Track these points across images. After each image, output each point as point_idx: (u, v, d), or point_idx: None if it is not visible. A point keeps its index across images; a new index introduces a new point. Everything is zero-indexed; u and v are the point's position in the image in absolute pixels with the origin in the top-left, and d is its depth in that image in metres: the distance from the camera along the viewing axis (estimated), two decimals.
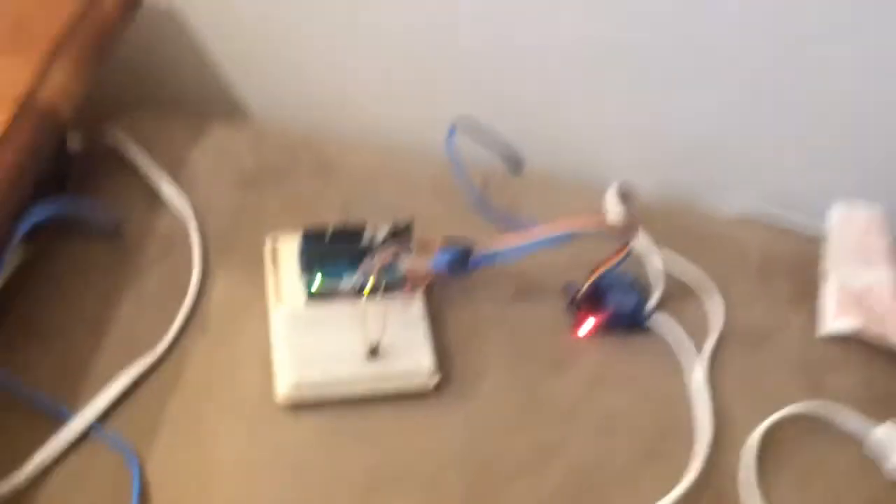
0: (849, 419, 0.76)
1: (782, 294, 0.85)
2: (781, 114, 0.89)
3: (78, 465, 0.67)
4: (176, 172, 0.85)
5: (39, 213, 0.71)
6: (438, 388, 0.74)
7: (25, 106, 0.74)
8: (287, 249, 0.79)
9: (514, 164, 0.93)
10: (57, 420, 0.68)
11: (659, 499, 0.69)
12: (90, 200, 0.79)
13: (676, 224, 0.89)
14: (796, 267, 0.87)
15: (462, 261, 0.77)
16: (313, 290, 0.76)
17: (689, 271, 0.84)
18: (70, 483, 0.66)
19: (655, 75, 0.89)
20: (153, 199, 0.84)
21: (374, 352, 0.74)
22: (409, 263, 0.77)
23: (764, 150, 0.91)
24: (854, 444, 0.76)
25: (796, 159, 0.91)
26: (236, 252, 0.81)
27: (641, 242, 0.84)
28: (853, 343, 0.82)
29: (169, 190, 0.84)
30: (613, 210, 0.87)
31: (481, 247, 0.77)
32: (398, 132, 0.94)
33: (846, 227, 0.87)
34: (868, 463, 0.75)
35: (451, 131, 0.86)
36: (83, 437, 0.68)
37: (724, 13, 0.83)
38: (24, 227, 0.70)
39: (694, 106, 0.90)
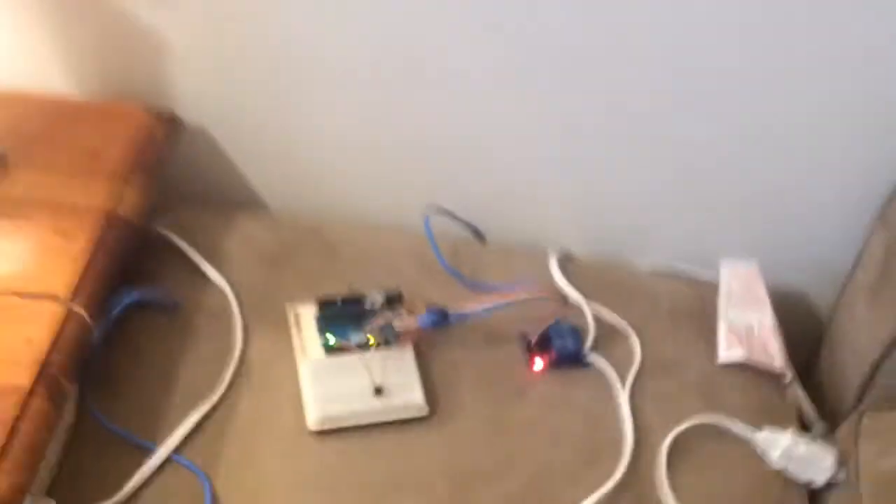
0: (738, 427, 1.00)
1: (687, 332, 1.10)
2: (684, 190, 1.14)
3: (163, 485, 0.91)
4: (213, 256, 1.09)
5: (127, 299, 0.95)
6: (428, 416, 0.98)
7: (110, 219, 0.98)
8: (306, 314, 1.03)
9: (479, 237, 1.17)
10: (144, 451, 0.92)
11: (595, 492, 0.94)
12: (156, 285, 1.03)
13: (605, 280, 1.14)
14: (698, 309, 1.12)
15: (441, 319, 1.02)
16: (329, 345, 1.00)
17: (615, 318, 1.09)
18: (158, 499, 0.90)
19: (588, 166, 1.14)
20: (198, 277, 1.07)
21: (378, 391, 0.98)
22: (401, 322, 1.01)
23: (670, 219, 1.17)
24: (743, 445, 1.00)
25: (695, 225, 1.16)
26: (267, 318, 1.04)
27: (577, 298, 1.09)
28: (743, 369, 1.06)
29: (210, 271, 1.07)
30: (556, 275, 1.12)
31: (455, 308, 1.02)
32: (386, 215, 1.18)
33: (732, 279, 1.12)
34: (754, 459, 1.00)
35: (427, 218, 1.11)
36: (165, 463, 0.92)
37: (637, 115, 1.09)
38: (117, 310, 0.94)
39: (617, 188, 1.15)
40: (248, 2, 1.05)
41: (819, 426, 1.04)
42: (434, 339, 1.03)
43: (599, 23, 1.01)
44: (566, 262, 1.15)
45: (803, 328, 1.17)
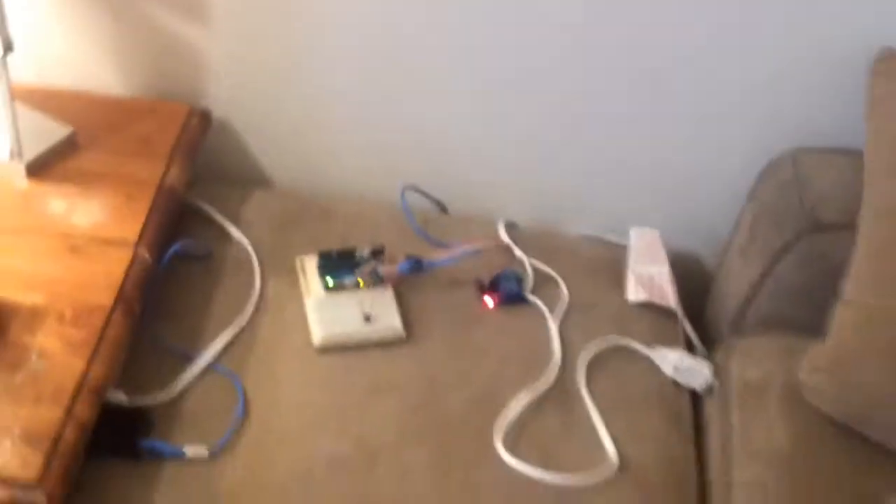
0: (639, 346, 1.32)
1: (603, 280, 1.41)
2: (603, 172, 1.46)
3: (204, 385, 1.20)
4: (235, 220, 1.39)
5: (175, 247, 1.25)
6: (404, 339, 1.29)
7: (161, 187, 1.28)
8: (310, 263, 1.33)
9: (443, 209, 1.48)
10: (190, 360, 1.21)
11: (531, 392, 1.24)
12: (194, 239, 1.33)
13: (541, 241, 1.45)
14: (612, 265, 1.43)
15: (416, 266, 1.33)
16: (329, 286, 1.31)
17: (548, 269, 1.40)
18: (201, 395, 1.19)
19: (529, 154, 1.45)
20: (223, 237, 1.37)
21: (367, 319, 1.28)
22: (384, 268, 1.32)
23: (591, 196, 1.49)
24: (644, 361, 1.32)
25: (611, 200, 1.48)
26: (279, 267, 1.35)
27: (519, 253, 1.40)
28: (645, 307, 1.38)
29: (233, 231, 1.38)
30: (503, 235, 1.43)
31: (426, 258, 1.33)
32: (371, 190, 1.49)
33: (639, 241, 1.44)
34: (652, 371, 1.31)
35: (402, 193, 1.42)
36: (205, 370, 1.21)
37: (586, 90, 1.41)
38: (169, 254, 1.24)
39: (552, 169, 1.47)
40: (266, 24, 1.36)
41: (700, 349, 1.36)
42: (410, 282, 1.34)
43: (540, 30, 1.34)
44: (511, 228, 1.46)
45: (695, 280, 1.49)
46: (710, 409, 1.30)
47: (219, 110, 1.44)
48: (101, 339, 1.12)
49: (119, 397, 1.17)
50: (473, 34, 1.35)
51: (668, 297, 1.38)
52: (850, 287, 1.18)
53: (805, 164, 1.34)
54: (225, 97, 1.43)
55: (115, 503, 1.11)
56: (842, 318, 1.19)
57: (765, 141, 1.38)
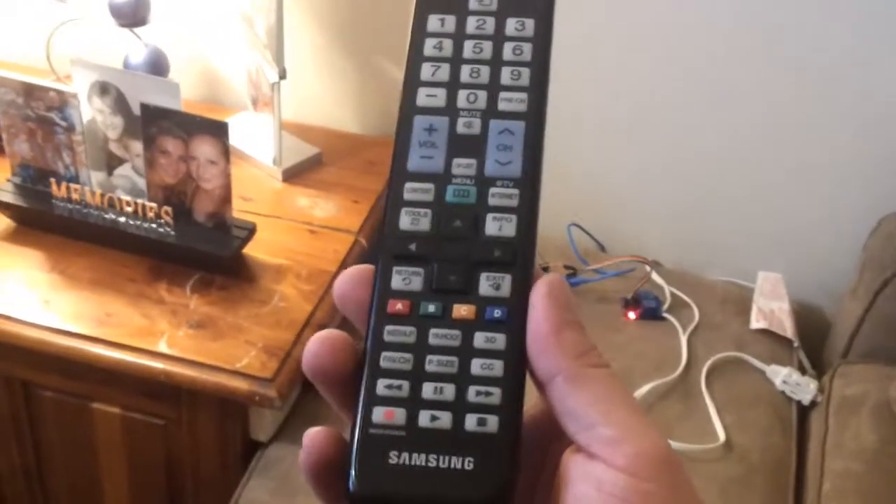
0: (756, 361, 1.56)
1: (731, 310, 1.67)
2: (739, 224, 1.74)
3: None
4: None
5: None
6: None
7: (379, 198, 1.64)
8: None
9: (600, 246, 1.79)
10: None
11: (658, 382, 1.51)
12: None
13: (682, 276, 1.73)
14: (740, 300, 1.69)
15: (571, 278, 1.63)
16: None
17: (683, 296, 1.68)
18: None
19: (678, 205, 1.75)
20: None
21: None
22: None
23: (728, 245, 1.76)
24: (760, 375, 1.56)
25: (744, 250, 1.75)
26: None
27: (661, 280, 1.69)
28: (766, 335, 1.63)
29: None
30: (648, 264, 1.72)
31: (581, 274, 1.63)
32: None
33: (764, 282, 1.70)
34: (765, 383, 1.55)
35: (568, 229, 1.73)
36: None
37: (718, 143, 1.70)
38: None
39: (695, 219, 1.76)
40: None
41: (810, 371, 1.59)
42: None
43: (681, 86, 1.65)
44: (657, 266, 1.75)
45: (814, 326, 1.73)
46: (813, 419, 1.53)
47: None
48: (325, 292, 1.47)
49: None
50: (641, 104, 1.68)
51: (786, 328, 1.63)
52: None
53: None
54: None
55: (322, 421, 1.43)
56: None
57: (876, 204, 1.63)
